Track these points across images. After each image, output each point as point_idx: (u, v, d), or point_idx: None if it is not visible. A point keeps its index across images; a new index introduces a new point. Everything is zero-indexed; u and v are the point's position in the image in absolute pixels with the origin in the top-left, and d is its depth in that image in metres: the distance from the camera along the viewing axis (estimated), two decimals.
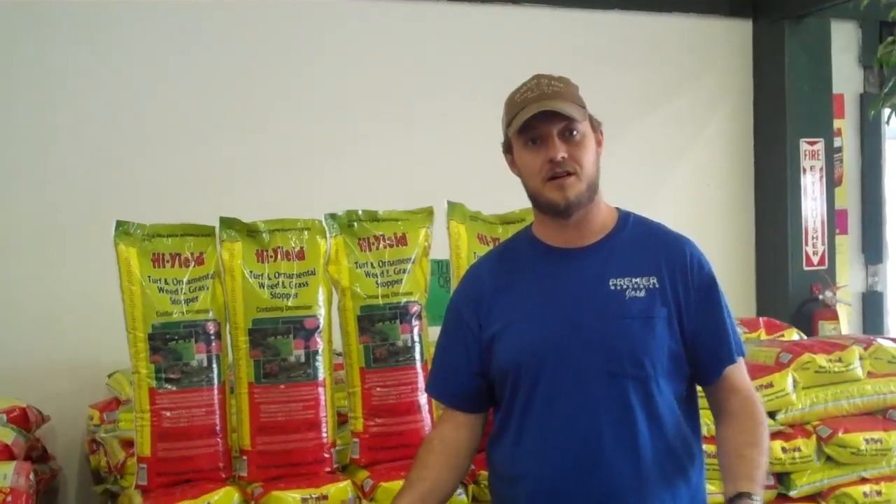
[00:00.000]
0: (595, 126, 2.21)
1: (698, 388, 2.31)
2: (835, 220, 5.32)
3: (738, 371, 2.24)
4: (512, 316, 2.23)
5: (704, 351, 2.19)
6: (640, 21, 5.02)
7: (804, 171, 5.18)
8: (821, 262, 5.20)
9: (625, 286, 2.15)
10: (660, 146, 5.07)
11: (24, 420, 3.25)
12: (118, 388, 3.45)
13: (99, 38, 4.05)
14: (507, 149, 2.25)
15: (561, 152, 2.11)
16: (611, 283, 2.16)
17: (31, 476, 2.65)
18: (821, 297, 5.08)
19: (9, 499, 2.42)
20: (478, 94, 4.51)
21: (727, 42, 5.28)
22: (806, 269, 5.16)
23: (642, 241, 2.24)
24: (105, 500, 3.24)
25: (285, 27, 4.34)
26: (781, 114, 5.16)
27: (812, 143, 5.18)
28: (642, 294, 2.14)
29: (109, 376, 3.62)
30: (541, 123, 2.12)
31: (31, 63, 3.91)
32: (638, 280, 2.15)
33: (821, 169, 5.22)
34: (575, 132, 2.13)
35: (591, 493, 2.13)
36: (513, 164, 2.27)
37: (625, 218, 2.28)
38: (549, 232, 2.26)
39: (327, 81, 4.36)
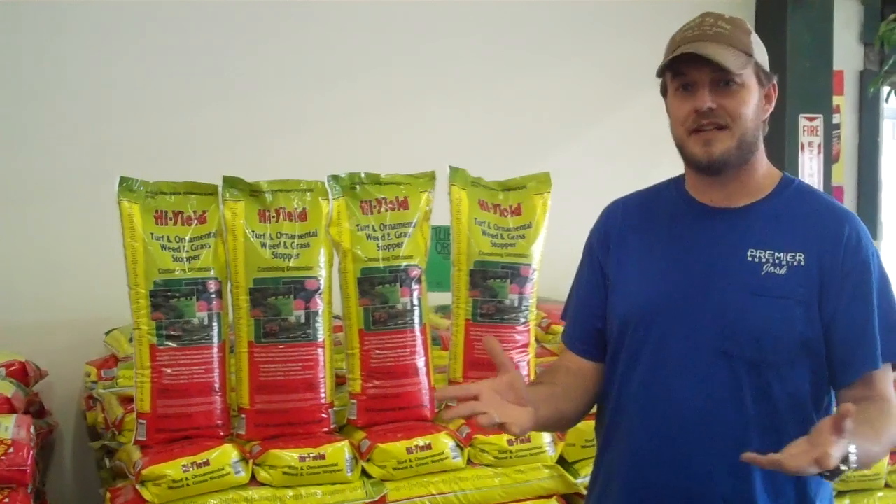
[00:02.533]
0: (763, 79, 1.93)
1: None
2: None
3: (884, 379, 1.91)
4: (633, 265, 2.03)
5: (840, 347, 1.88)
6: None
7: (802, 146, 5.18)
8: None
9: (764, 259, 1.90)
10: (656, 119, 5.03)
11: (22, 374, 3.26)
12: (115, 345, 3.46)
13: None
14: (664, 90, 2.01)
15: (708, 102, 1.87)
16: (749, 254, 1.91)
17: (32, 429, 2.66)
18: None
19: (10, 450, 2.44)
20: (481, 60, 4.53)
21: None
22: None
23: (798, 210, 1.96)
24: (101, 456, 3.25)
25: None
26: (781, 89, 4.99)
27: (811, 119, 5.17)
28: (782, 271, 1.89)
29: (107, 333, 3.62)
30: (692, 69, 1.88)
31: (35, 18, 3.88)
32: (781, 255, 1.90)
33: (819, 145, 5.22)
34: (731, 82, 1.87)
35: (681, 488, 1.91)
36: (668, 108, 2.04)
37: (787, 183, 2.00)
38: (696, 185, 2.01)
39: (332, 46, 4.33)
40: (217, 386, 2.81)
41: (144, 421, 2.76)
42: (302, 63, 4.25)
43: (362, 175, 3.02)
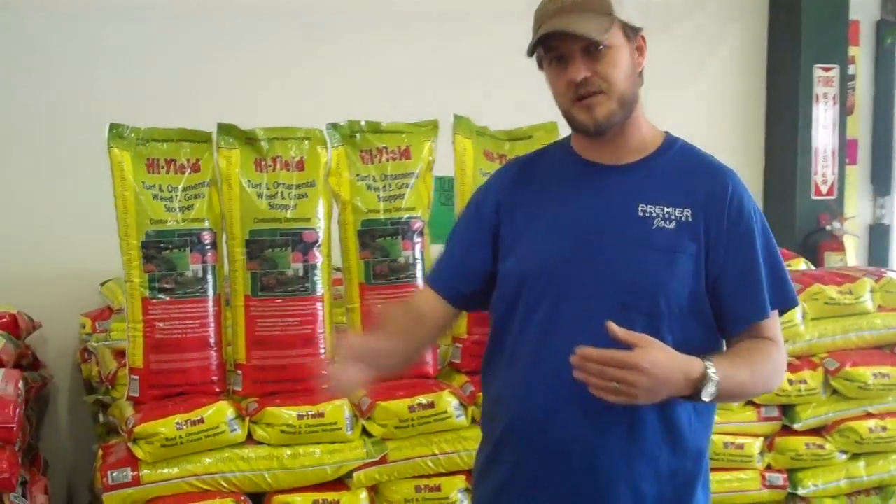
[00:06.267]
0: (630, 34, 1.96)
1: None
2: (845, 150, 5.22)
3: (772, 326, 1.99)
4: (526, 224, 2.05)
5: (729, 300, 1.96)
6: None
7: (817, 98, 5.07)
8: (829, 192, 5.11)
9: (654, 214, 1.95)
10: (667, 69, 4.90)
11: (13, 326, 3.20)
12: (111, 296, 3.39)
13: None
14: (540, 63, 2.02)
15: (582, 73, 1.90)
16: (639, 209, 1.95)
17: (21, 384, 2.58)
18: (828, 227, 4.98)
19: None
20: (485, 10, 4.40)
21: None
22: (814, 198, 5.06)
23: (684, 168, 2.01)
24: (97, 410, 3.20)
25: None
26: (797, 38, 5.03)
27: (826, 70, 5.06)
28: (671, 226, 1.94)
29: (102, 284, 3.56)
30: (560, 42, 1.91)
31: None
32: (670, 210, 1.94)
33: (834, 97, 5.11)
34: (601, 47, 1.90)
35: (577, 433, 1.94)
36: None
37: (671, 142, 2.05)
38: (583, 146, 2.05)
39: None
40: (212, 341, 2.73)
41: (137, 377, 2.69)
42: (299, 9, 4.13)
43: (362, 123, 2.92)
